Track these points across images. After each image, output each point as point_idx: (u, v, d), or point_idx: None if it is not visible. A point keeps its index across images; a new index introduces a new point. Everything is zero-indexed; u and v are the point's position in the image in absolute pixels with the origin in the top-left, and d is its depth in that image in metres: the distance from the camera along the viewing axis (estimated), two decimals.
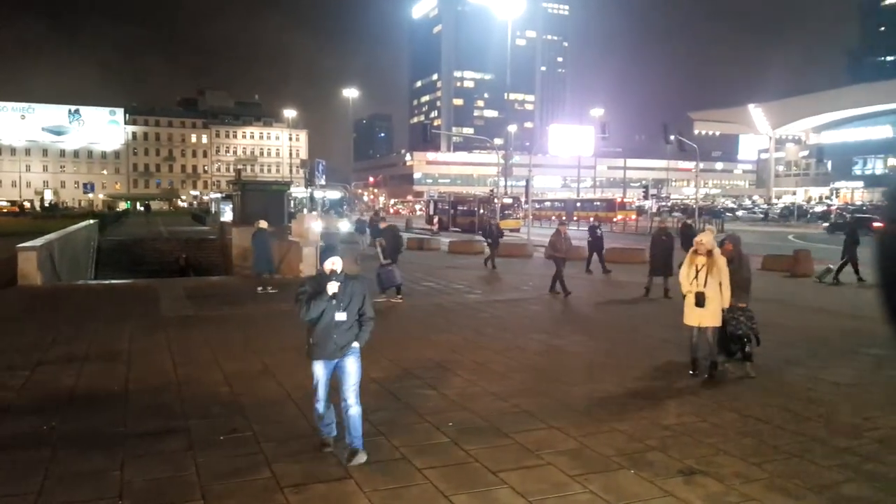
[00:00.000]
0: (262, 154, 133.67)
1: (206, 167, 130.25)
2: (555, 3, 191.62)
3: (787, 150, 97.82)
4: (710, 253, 7.97)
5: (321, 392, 5.38)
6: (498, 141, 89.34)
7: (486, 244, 22.53)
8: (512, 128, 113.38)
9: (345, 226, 36.45)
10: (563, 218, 48.23)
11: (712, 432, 6.23)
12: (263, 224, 15.61)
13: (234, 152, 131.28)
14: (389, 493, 4.78)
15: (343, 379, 5.32)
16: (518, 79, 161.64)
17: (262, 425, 6.17)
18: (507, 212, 44.19)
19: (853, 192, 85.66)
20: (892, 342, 2.15)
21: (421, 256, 26.28)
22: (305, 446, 5.64)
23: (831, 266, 18.26)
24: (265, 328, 11.07)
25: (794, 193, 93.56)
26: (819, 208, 67.23)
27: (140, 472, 5.09)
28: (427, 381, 7.80)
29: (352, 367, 5.33)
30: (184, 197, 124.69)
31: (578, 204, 67.39)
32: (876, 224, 18.46)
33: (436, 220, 49.00)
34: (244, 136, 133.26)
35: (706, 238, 8.17)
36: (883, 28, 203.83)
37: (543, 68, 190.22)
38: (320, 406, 5.43)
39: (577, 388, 7.69)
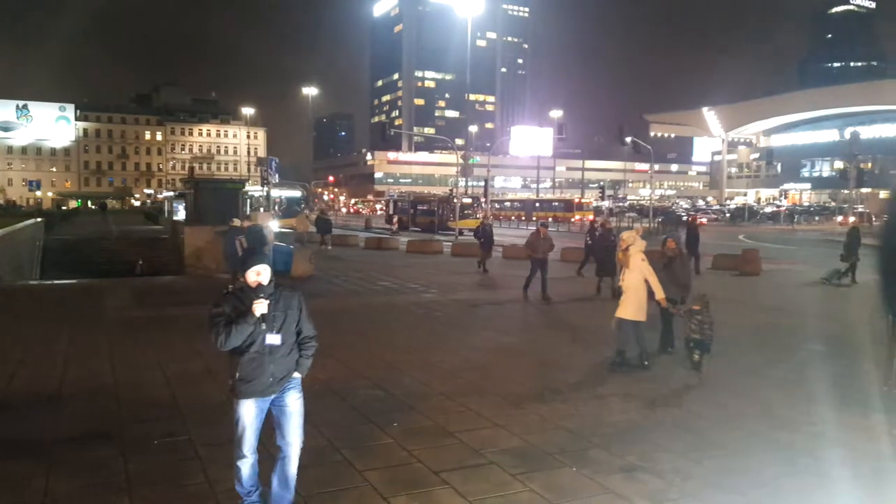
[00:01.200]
0: (219, 152, 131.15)
1: (160, 165, 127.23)
2: (514, 5, 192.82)
3: (740, 153, 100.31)
4: (626, 249, 8.27)
5: (248, 444, 4.14)
6: (459, 141, 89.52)
7: (479, 243, 20.92)
8: (473, 128, 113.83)
9: (304, 225, 36.01)
10: (550, 219, 48.42)
11: (654, 428, 6.31)
12: (236, 222, 15.44)
13: (190, 150, 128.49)
14: (327, 496, 4.70)
15: (283, 422, 4.18)
16: (479, 80, 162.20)
17: (200, 429, 6.01)
18: (466, 211, 44.29)
19: (801, 194, 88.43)
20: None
21: (379, 255, 26.14)
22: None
23: (839, 269, 18.16)
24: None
25: (746, 194, 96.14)
26: (769, 209, 69.11)
27: (66, 479, 4.90)
28: (375, 382, 7.72)
29: (295, 405, 4.20)
30: (137, 195, 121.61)
31: (537, 204, 67.94)
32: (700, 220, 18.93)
33: (395, 219, 48.81)
34: (200, 134, 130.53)
35: (625, 235, 8.49)
36: (830, 36, 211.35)
37: (504, 69, 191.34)
38: (245, 466, 4.17)
39: (525, 386, 7.71)
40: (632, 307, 8.36)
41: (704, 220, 42.80)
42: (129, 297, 14.16)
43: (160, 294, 14.99)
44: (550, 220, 54.66)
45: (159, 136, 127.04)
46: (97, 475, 5.01)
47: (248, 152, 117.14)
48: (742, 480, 5.10)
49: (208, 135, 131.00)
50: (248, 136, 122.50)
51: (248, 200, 28.49)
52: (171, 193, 46.67)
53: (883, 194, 53.51)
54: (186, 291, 15.23)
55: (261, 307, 4.05)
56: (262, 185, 31.50)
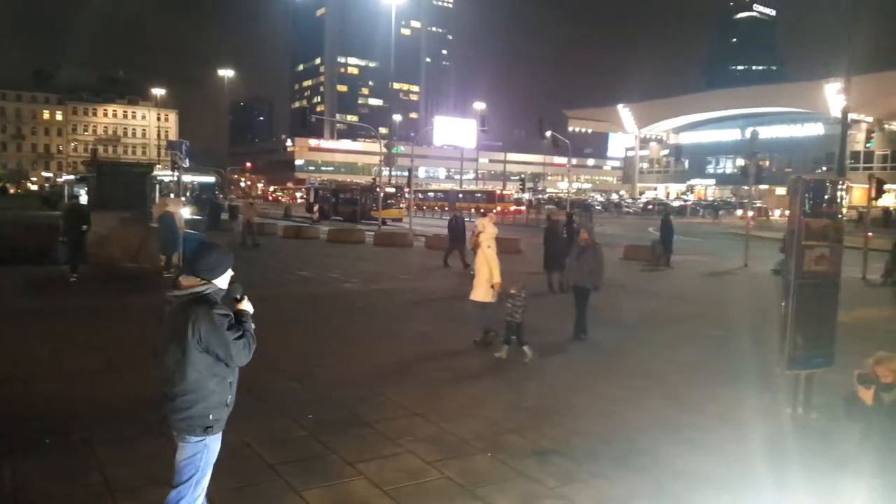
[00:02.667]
0: (126, 134, 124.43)
1: (60, 147, 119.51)
2: None
3: (651, 149, 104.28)
4: (477, 236, 8.89)
5: (205, 485, 3.58)
6: (383, 130, 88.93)
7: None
8: (397, 117, 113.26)
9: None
10: (514, 209, 47.59)
11: (567, 412, 6.51)
12: (172, 207, 15.41)
13: (95, 131, 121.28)
14: (235, 493, 4.56)
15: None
16: (403, 69, 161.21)
17: (98, 427, 5.69)
18: (389, 201, 44.03)
19: (706, 189, 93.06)
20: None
21: (298, 245, 25.63)
22: (142, 448, 5.27)
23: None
24: (116, 322, 10.28)
25: (656, 189, 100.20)
26: (677, 203, 72.37)
27: None
28: (291, 374, 7.58)
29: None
30: (34, 179, 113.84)
31: (460, 195, 68.43)
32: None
33: (316, 208, 47.95)
34: (106, 115, 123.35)
35: (479, 221, 9.18)
36: (735, 40, 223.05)
37: (428, 59, 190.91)
38: None
39: (443, 374, 7.78)
40: (481, 290, 8.83)
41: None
42: (23, 287, 13.29)
43: (58, 284, 14.14)
44: (473, 210, 55.37)
45: (60, 116, 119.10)
46: None
47: (158, 135, 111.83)
48: (648, 459, 5.34)
49: (114, 116, 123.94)
50: (159, 119, 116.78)
51: (158, 186, 27.20)
52: (72, 177, 43.98)
53: (779, 190, 57.11)
54: (88, 282, 14.42)
55: (250, 305, 3.52)
56: (173, 170, 30.18)
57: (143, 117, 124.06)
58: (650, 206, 68.88)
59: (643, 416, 6.45)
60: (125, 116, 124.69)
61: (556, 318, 10.88)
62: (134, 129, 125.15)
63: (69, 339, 8.91)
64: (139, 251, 16.55)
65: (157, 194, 23.23)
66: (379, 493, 4.62)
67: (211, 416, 3.40)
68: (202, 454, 3.44)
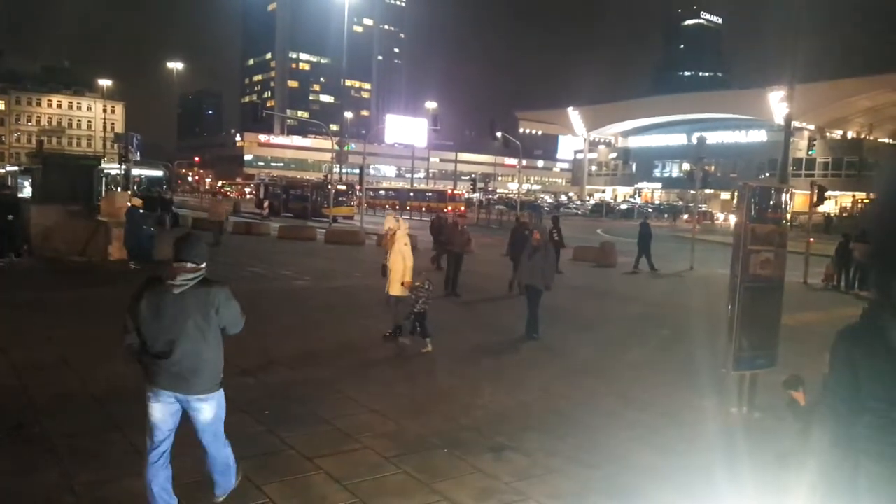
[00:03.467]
0: (71, 125, 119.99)
1: (3, 137, 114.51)
2: None
3: (600, 152, 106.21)
4: (392, 234, 9.32)
5: None
6: (334, 127, 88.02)
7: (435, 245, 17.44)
8: (348, 114, 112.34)
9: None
10: (463, 209, 47.52)
11: (520, 410, 6.65)
12: (137, 202, 16.18)
13: (38, 122, 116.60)
14: (194, 487, 4.53)
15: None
16: (355, 66, 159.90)
17: (54, 421, 5.58)
18: (341, 198, 43.73)
19: (653, 192, 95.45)
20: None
21: (248, 241, 25.22)
22: (100, 442, 5.19)
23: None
24: (67, 316, 10.00)
25: (604, 191, 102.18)
26: (625, 206, 74.05)
27: None
28: (245, 370, 7.50)
29: None
30: None
31: (412, 194, 68.40)
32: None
33: (266, 204, 47.25)
34: (50, 105, 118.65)
35: (387, 222, 9.62)
36: (682, 46, 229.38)
37: (380, 57, 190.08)
38: None
39: (400, 371, 7.83)
40: (398, 284, 9.21)
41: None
42: None
43: (4, 277, 13.61)
44: (424, 209, 55.42)
45: (2, 106, 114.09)
46: None
47: (105, 127, 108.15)
48: (599, 456, 5.51)
49: (59, 106, 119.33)
50: (105, 110, 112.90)
51: (104, 179, 26.38)
52: (16, 168, 42.21)
53: (724, 195, 59.00)
54: (32, 274, 13.93)
55: None
56: (120, 163, 29.25)
57: (89, 109, 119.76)
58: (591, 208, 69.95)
59: (594, 414, 6.63)
60: (70, 107, 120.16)
61: (509, 317, 11.06)
62: (79, 121, 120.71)
63: (17, 332, 8.62)
64: (86, 244, 16.06)
65: (104, 187, 22.56)
66: (338, 488, 4.65)
67: (220, 375, 4.05)
68: (222, 404, 4.09)
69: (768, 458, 4.96)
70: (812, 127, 71.67)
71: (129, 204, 15.91)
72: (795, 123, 53.26)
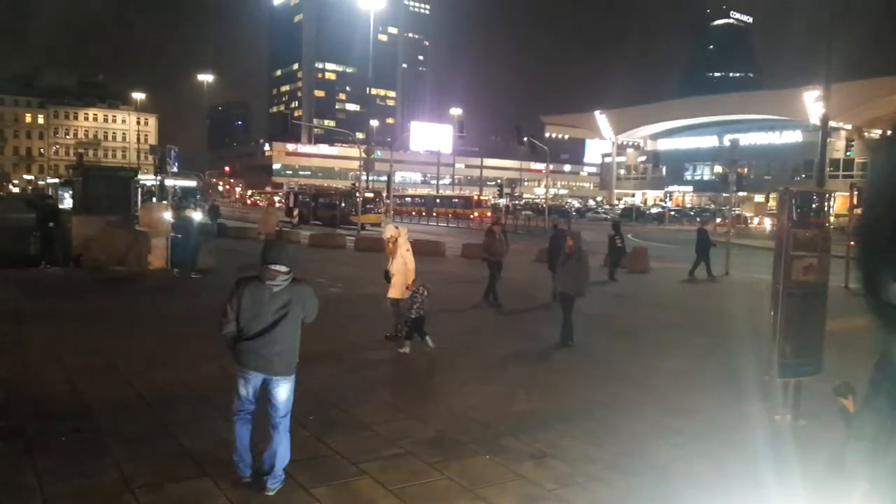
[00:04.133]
0: (106, 138, 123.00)
1: (42, 150, 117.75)
2: (416, 2, 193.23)
3: (628, 155, 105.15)
4: (394, 241, 9.62)
5: None
6: (360, 135, 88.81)
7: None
8: (374, 122, 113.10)
9: (198, 216, 34.60)
10: (500, 218, 47.50)
11: (559, 417, 6.65)
12: (190, 212, 17.45)
13: (75, 135, 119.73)
14: (247, 491, 4.65)
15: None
16: (380, 74, 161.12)
17: (109, 424, 5.78)
18: (368, 206, 44.05)
19: (684, 196, 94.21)
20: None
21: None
22: (157, 446, 5.36)
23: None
24: (108, 324, 10.28)
25: (634, 195, 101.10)
26: (655, 210, 73.16)
27: None
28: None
29: None
30: (16, 182, 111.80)
31: (438, 200, 68.58)
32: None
33: (296, 212, 47.80)
34: (86, 118, 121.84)
35: (387, 230, 9.93)
36: (712, 47, 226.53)
37: (405, 65, 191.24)
38: None
39: (437, 378, 7.89)
40: (398, 288, 9.47)
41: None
42: (14, 290, 13.17)
43: (47, 286, 14.02)
44: (450, 215, 55.56)
45: (41, 120, 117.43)
46: (3, 472, 4.77)
47: (138, 139, 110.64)
48: (641, 463, 5.50)
49: (95, 119, 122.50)
50: (139, 123, 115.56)
51: (140, 190, 26.96)
52: (56, 180, 43.38)
53: (758, 198, 57.98)
54: (76, 284, 14.33)
55: None
56: (156, 175, 29.83)
57: (124, 121, 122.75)
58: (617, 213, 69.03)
59: (633, 421, 6.60)
60: (106, 120, 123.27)
61: (543, 324, 11.06)
62: (114, 133, 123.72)
63: (66, 340, 8.95)
64: (126, 254, 16.47)
65: (140, 198, 23.05)
66: (385, 493, 4.73)
67: (297, 361, 4.78)
68: (293, 388, 4.77)
69: (817, 466, 4.90)
70: (849, 127, 70.00)
71: (184, 214, 16.91)
72: (832, 123, 52.18)
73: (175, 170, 18.20)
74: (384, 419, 6.30)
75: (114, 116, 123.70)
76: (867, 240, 2.14)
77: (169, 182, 29.16)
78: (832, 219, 6.46)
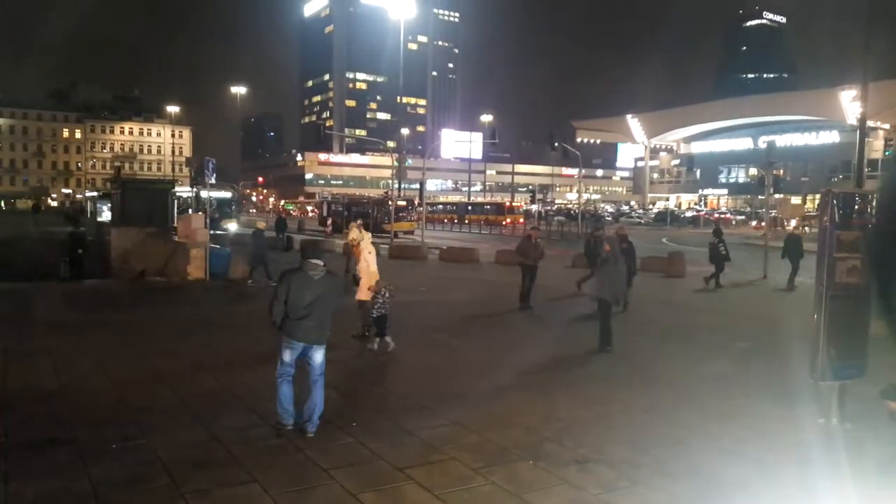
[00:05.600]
0: (142, 151, 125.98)
1: (79, 164, 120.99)
2: (445, 10, 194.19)
3: (661, 159, 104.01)
4: (357, 244, 10.05)
5: None
6: (391, 143, 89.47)
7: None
8: (405, 131, 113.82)
9: (234, 227, 35.33)
10: (537, 224, 47.64)
11: (600, 422, 6.65)
12: (262, 224, 17.87)
13: (112, 149, 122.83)
14: (296, 495, 4.77)
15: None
16: (410, 83, 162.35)
17: (157, 433, 5.94)
18: (401, 214, 44.33)
19: (719, 199, 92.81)
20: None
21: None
22: (205, 452, 5.50)
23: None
24: (152, 334, 10.56)
25: (668, 199, 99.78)
26: (689, 213, 72.16)
27: (28, 485, 4.79)
28: (329, 383, 7.75)
29: None
30: (55, 195, 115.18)
31: (469, 207, 68.66)
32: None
33: (329, 221, 48.34)
34: (122, 132, 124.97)
35: (351, 233, 10.29)
36: (745, 48, 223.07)
37: (435, 73, 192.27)
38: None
39: (476, 384, 7.93)
40: (362, 290, 9.84)
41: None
42: (58, 301, 13.60)
43: (90, 298, 14.45)
44: (482, 222, 55.57)
45: (78, 134, 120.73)
46: (59, 480, 4.92)
47: (173, 151, 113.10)
48: (685, 468, 5.47)
49: (130, 133, 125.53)
50: (173, 135, 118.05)
51: (176, 202, 27.60)
52: (95, 193, 44.60)
53: (794, 200, 56.95)
54: (119, 295, 14.73)
55: None
56: (192, 186, 30.56)
57: (159, 134, 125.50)
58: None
59: (675, 426, 6.56)
60: (141, 134, 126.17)
61: (582, 329, 11.04)
62: (150, 146, 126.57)
63: (110, 350, 9.19)
64: (165, 265, 16.87)
65: (177, 210, 23.66)
66: (430, 497, 4.80)
67: (328, 332, 6.16)
68: (325, 353, 6.14)
69: (867, 470, 4.83)
70: (888, 126, 68.31)
71: (257, 226, 17.71)
72: (870, 123, 50.92)
73: (213, 181, 18.56)
74: (428, 425, 6.37)
75: (149, 130, 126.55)
76: (882, 247, 2.16)
77: (204, 194, 29.87)
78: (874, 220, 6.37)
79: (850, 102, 61.21)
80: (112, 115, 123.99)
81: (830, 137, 76.05)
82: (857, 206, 6.04)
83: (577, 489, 5.02)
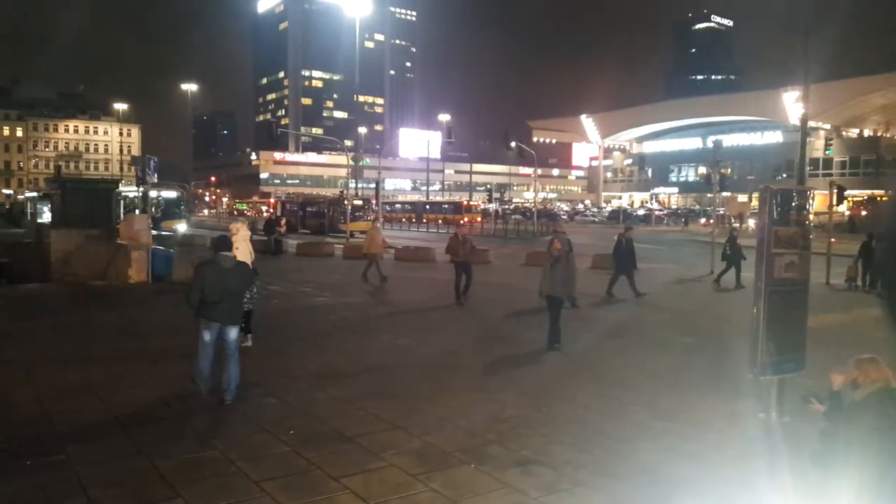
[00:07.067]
0: (88, 150, 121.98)
1: (21, 163, 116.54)
2: (402, 9, 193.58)
3: (614, 158, 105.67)
4: (233, 235, 9.70)
5: None
6: (348, 142, 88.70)
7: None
8: (362, 129, 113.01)
9: (183, 228, 34.37)
10: (479, 220, 47.32)
11: (546, 422, 6.57)
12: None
13: (56, 147, 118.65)
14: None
15: None
16: (368, 81, 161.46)
17: (79, 447, 5.61)
18: (357, 214, 43.89)
19: (670, 197, 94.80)
20: None
21: (267, 258, 25.31)
22: (128, 467, 5.21)
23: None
24: (83, 340, 10.07)
25: (621, 198, 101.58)
26: (641, 211, 73.49)
27: None
28: (267, 389, 7.51)
29: None
30: None
31: (427, 206, 68.47)
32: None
33: (283, 221, 47.52)
34: (67, 130, 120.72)
35: (232, 226, 9.93)
36: (694, 50, 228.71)
37: (392, 72, 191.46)
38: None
39: (422, 386, 7.78)
40: None
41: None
42: None
43: (26, 304, 13.79)
44: (440, 221, 55.48)
45: (20, 133, 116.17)
46: None
47: (121, 150, 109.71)
48: (629, 468, 5.42)
49: (76, 131, 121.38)
50: (121, 134, 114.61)
51: (122, 202, 26.68)
52: (35, 194, 42.84)
53: (741, 197, 58.56)
54: (57, 300, 14.10)
55: None
56: (138, 186, 29.56)
57: (106, 133, 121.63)
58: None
59: (620, 424, 6.54)
60: (87, 132, 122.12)
61: (530, 328, 11.00)
62: (96, 145, 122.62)
63: (41, 359, 8.71)
64: (107, 268, 16.23)
65: (122, 210, 22.84)
66: None
67: (242, 312, 7.49)
68: (238, 330, 7.19)
69: (804, 463, 4.85)
70: (828, 126, 70.83)
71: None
72: (811, 123, 52.61)
73: (154, 179, 17.96)
74: (369, 431, 6.19)
75: (95, 128, 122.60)
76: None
77: (152, 193, 28.97)
78: (812, 216, 6.44)
79: (792, 103, 63.15)
80: (56, 113, 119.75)
81: (774, 137, 78.53)
82: (794, 203, 6.09)
83: (517, 493, 4.92)
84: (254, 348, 9.25)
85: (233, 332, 6.95)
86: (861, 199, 54.77)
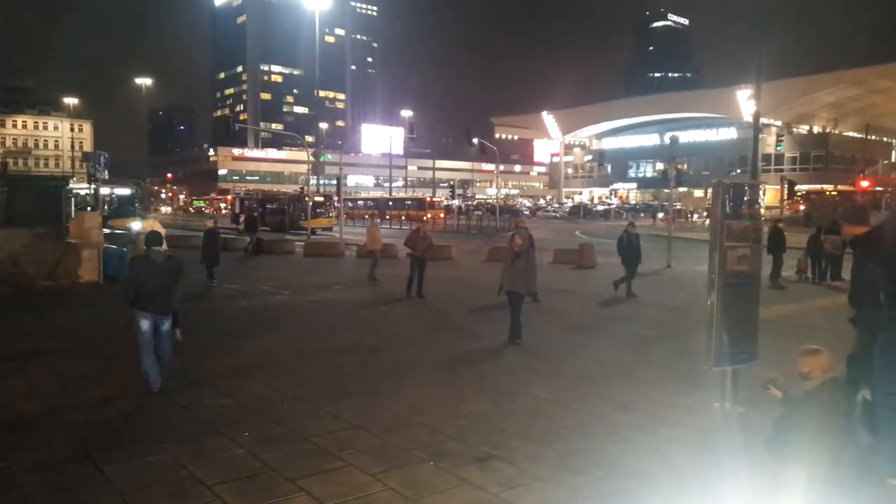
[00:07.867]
0: (37, 146, 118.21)
1: None
2: (363, 3, 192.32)
3: (575, 155, 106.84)
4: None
5: None
6: (309, 138, 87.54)
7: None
8: (323, 125, 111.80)
9: (137, 226, 33.42)
10: (403, 217, 46.88)
11: (506, 417, 6.56)
12: (210, 224, 18.08)
13: (3, 144, 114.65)
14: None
15: None
16: (329, 76, 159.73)
17: (21, 454, 5.38)
18: (318, 210, 43.41)
19: (629, 193, 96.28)
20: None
21: (225, 257, 24.79)
22: (74, 473, 5.02)
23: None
24: (33, 340, 9.71)
25: (581, 193, 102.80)
26: (601, 207, 74.50)
27: None
28: (222, 390, 7.34)
29: None
30: None
31: (390, 203, 68.19)
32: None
33: (242, 218, 46.78)
34: (15, 126, 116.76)
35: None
36: (652, 48, 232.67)
37: (354, 67, 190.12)
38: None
39: (382, 383, 7.71)
40: None
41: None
42: None
43: None
44: (403, 218, 55.28)
45: None
46: None
47: (73, 147, 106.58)
48: (587, 461, 5.44)
49: (24, 127, 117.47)
50: (72, 129, 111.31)
51: (73, 199, 25.84)
52: None
53: (697, 193, 59.74)
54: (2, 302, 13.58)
55: None
56: (89, 183, 28.63)
57: (56, 128, 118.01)
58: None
59: (580, 418, 6.57)
60: (36, 128, 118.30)
61: (492, 323, 11.01)
62: (46, 141, 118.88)
63: None
64: (55, 267, 15.69)
65: (73, 208, 22.10)
66: None
67: (175, 304, 7.53)
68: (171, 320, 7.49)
69: (757, 453, 4.93)
70: (780, 123, 72.83)
71: (208, 226, 17.76)
72: (764, 120, 54.07)
73: (105, 176, 17.42)
74: (326, 430, 6.09)
75: (45, 123, 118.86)
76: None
77: (105, 190, 28.12)
78: (763, 210, 6.57)
79: (745, 101, 64.76)
80: (3, 108, 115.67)
81: (729, 133, 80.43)
82: (746, 198, 6.19)
83: (476, 489, 4.89)
84: (208, 348, 9.04)
85: (166, 322, 7.34)
86: (815, 193, 56.43)
